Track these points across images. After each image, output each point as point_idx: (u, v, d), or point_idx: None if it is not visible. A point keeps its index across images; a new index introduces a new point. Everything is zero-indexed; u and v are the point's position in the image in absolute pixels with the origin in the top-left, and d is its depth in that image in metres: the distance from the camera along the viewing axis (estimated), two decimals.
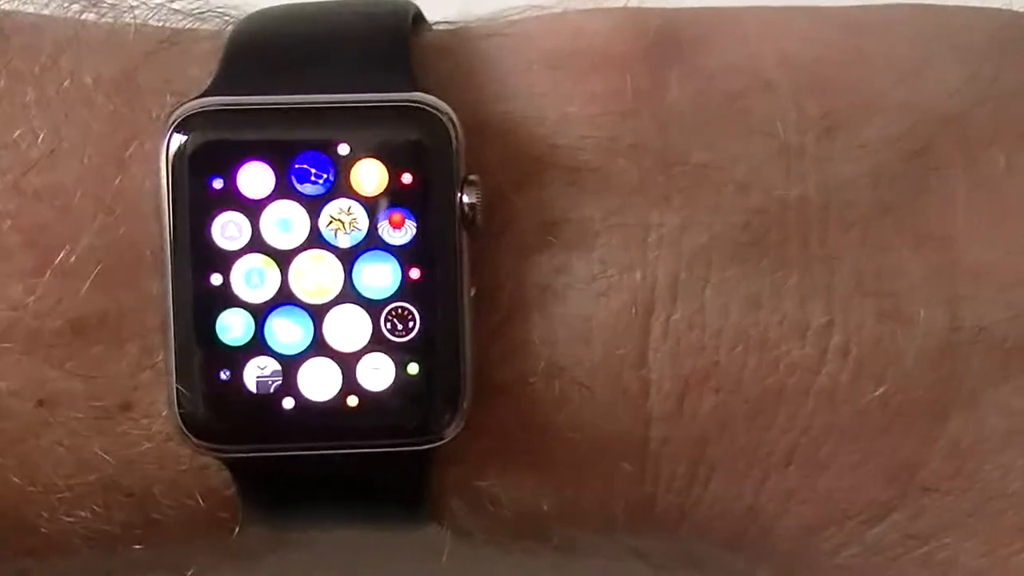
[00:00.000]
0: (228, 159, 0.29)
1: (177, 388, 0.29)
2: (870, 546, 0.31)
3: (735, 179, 0.30)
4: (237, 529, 0.30)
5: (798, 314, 0.30)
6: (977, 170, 0.30)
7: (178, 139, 0.29)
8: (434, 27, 0.32)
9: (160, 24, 0.31)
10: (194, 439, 0.29)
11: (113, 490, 0.30)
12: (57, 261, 0.29)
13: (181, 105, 0.29)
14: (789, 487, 0.31)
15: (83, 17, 0.31)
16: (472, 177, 0.29)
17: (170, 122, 0.29)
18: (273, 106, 0.29)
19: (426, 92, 0.29)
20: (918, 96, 0.31)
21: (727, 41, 0.31)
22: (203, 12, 0.32)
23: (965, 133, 0.31)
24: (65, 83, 0.30)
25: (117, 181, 0.29)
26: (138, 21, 0.31)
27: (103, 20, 0.31)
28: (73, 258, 0.29)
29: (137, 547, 0.30)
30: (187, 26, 0.32)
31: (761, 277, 0.30)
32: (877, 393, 0.30)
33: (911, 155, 0.30)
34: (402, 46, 0.30)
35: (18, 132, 0.29)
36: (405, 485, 0.30)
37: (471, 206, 0.29)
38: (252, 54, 0.30)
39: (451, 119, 0.29)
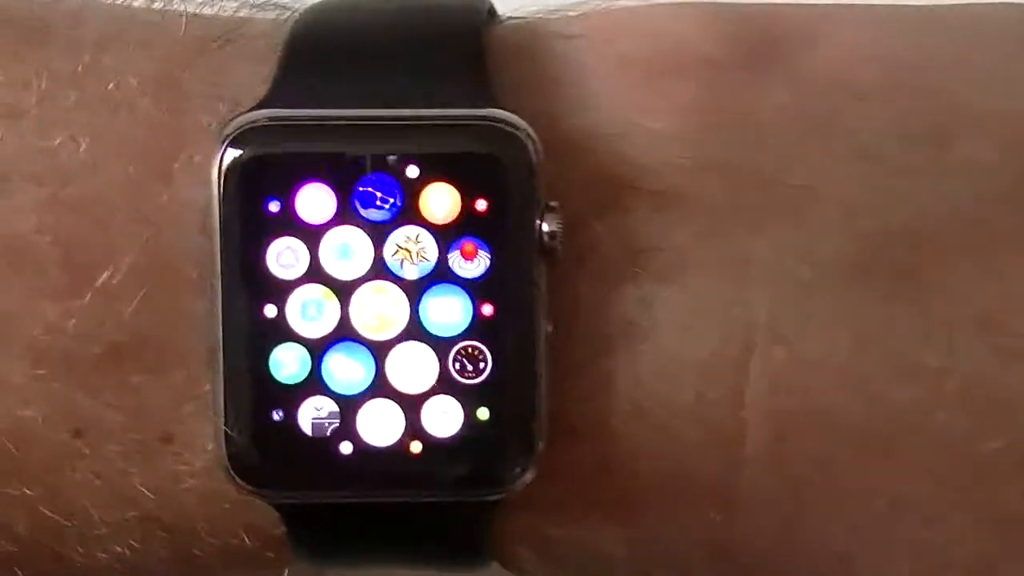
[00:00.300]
0: (286, 179, 0.27)
1: (225, 428, 0.27)
2: None
3: (841, 202, 0.28)
4: (287, 572, 0.29)
5: (910, 352, 0.28)
6: None
7: (232, 155, 0.27)
8: (505, 21, 0.30)
9: (212, 14, 0.29)
10: (241, 482, 0.27)
11: (152, 525, 0.28)
12: (99, 282, 0.27)
13: (236, 117, 0.27)
14: (888, 537, 0.29)
15: (131, 2, 0.29)
16: (553, 203, 0.27)
17: (224, 135, 0.27)
18: (336, 122, 0.27)
19: (503, 105, 0.27)
20: None
21: (828, 45, 0.29)
22: (259, 0, 0.29)
23: None
24: (110, 85, 0.28)
25: (163, 196, 0.27)
26: (189, 11, 0.29)
27: (152, 6, 0.29)
28: (116, 278, 0.27)
29: None
30: (242, 16, 0.29)
31: (869, 311, 0.28)
32: (995, 446, 0.28)
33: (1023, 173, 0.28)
34: (478, 51, 0.28)
35: (59, 140, 0.27)
36: (468, 534, 0.28)
37: (552, 235, 0.27)
38: (313, 58, 0.28)
39: (530, 136, 0.27)
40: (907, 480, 0.28)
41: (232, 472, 0.27)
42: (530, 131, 0.27)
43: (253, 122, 0.27)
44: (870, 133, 0.28)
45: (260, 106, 0.27)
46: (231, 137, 0.27)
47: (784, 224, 0.28)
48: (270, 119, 0.27)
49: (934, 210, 0.28)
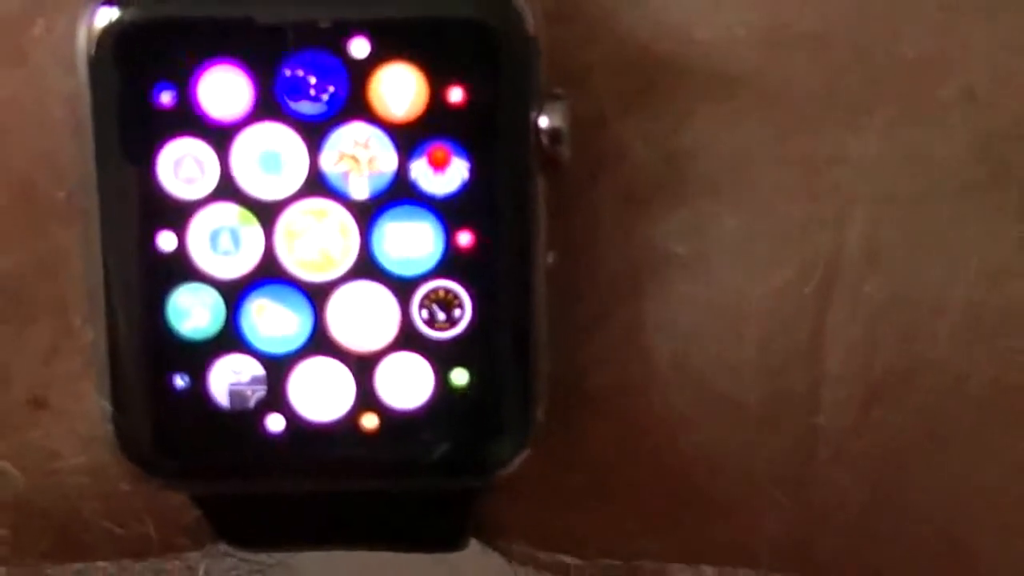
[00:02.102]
0: (184, 58, 0.22)
1: (112, 398, 0.23)
2: None
3: (967, 83, 0.23)
4: (203, 566, 0.26)
5: None
6: None
7: (105, 19, 0.22)
8: None
9: None
10: (137, 469, 0.23)
11: (27, 510, 0.24)
12: None
13: None
14: (1011, 519, 0.25)
15: None
16: (558, 91, 0.22)
17: None
18: None
19: None
20: None
21: None
22: None
23: None
24: None
25: (14, 82, 0.23)
26: None
27: None
28: None
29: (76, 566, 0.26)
30: None
31: (1000, 230, 0.24)
32: None
33: None
34: None
35: None
36: (441, 525, 0.24)
37: (554, 134, 0.22)
38: None
39: (526, 2, 0.22)
40: None
41: (122, 454, 0.23)
42: None
43: None
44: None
45: None
46: None
47: (889, 115, 0.23)
48: None
49: None
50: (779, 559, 0.26)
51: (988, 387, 0.24)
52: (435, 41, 0.22)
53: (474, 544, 0.26)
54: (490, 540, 0.26)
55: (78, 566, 0.27)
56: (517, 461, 0.23)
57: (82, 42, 0.22)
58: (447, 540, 0.25)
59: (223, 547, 0.26)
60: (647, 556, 0.26)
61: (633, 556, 0.26)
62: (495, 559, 0.26)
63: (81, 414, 0.24)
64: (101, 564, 0.27)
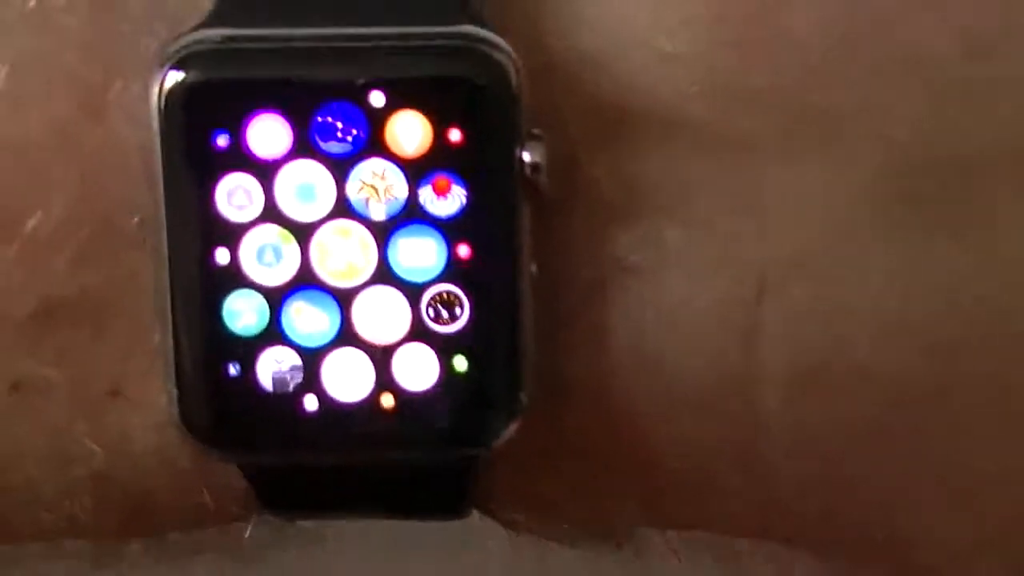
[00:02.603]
0: (235, 109, 0.24)
1: (177, 383, 0.25)
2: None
3: (880, 128, 0.25)
4: (250, 529, 0.28)
5: (954, 289, 0.26)
6: None
7: (173, 81, 0.24)
8: None
9: None
10: (196, 442, 0.26)
11: (104, 484, 0.27)
12: (27, 230, 0.25)
13: (178, 39, 0.24)
14: (931, 495, 0.27)
15: None
16: (536, 131, 0.25)
17: (164, 59, 0.24)
18: (291, 43, 0.24)
19: (482, 24, 0.25)
20: None
21: None
22: None
23: None
24: (31, 3, 0.25)
25: (96, 132, 0.25)
26: None
27: None
28: (47, 227, 0.25)
29: (133, 543, 0.28)
30: None
31: (908, 245, 0.26)
32: None
33: None
34: None
35: None
36: (449, 492, 0.27)
37: (535, 167, 0.25)
38: None
39: (512, 59, 0.24)
40: (960, 432, 0.26)
41: (186, 431, 0.26)
42: (511, 52, 0.24)
43: (201, 42, 0.24)
44: (910, 49, 0.25)
45: (203, 26, 0.25)
46: (172, 61, 0.24)
47: (812, 153, 0.25)
48: (215, 39, 0.24)
49: (985, 132, 0.26)
50: (737, 531, 0.28)
51: (895, 379, 0.26)
52: (437, 94, 0.24)
53: (475, 514, 0.28)
54: (485, 507, 0.27)
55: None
56: (508, 433, 0.25)
57: (154, 99, 0.24)
58: (453, 505, 0.27)
59: (267, 516, 0.27)
60: (619, 521, 0.27)
61: (606, 521, 0.27)
62: (493, 526, 0.28)
63: (150, 404, 0.26)
64: (173, 536, 0.28)
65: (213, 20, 0.25)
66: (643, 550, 0.28)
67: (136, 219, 0.25)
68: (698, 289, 0.26)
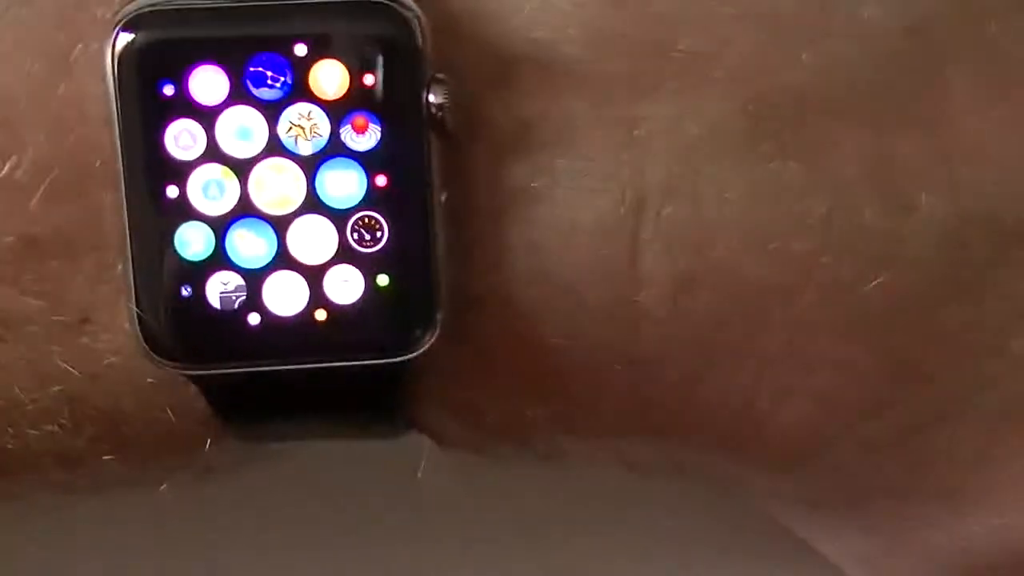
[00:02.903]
0: (178, 62, 0.27)
1: (137, 305, 0.28)
2: (865, 442, 0.30)
3: (728, 66, 0.28)
4: (209, 442, 0.30)
5: (796, 204, 0.29)
6: (976, 43, 0.29)
7: (124, 40, 0.27)
8: None
9: None
10: (156, 356, 0.28)
11: (80, 403, 0.29)
12: (3, 174, 0.28)
13: (127, 5, 0.27)
14: (785, 383, 0.30)
15: None
16: (440, 76, 0.27)
17: (116, 22, 0.27)
18: (225, 4, 0.27)
19: None
20: None
21: None
22: None
23: (965, 5, 0.29)
24: None
25: (62, 87, 0.28)
26: None
27: None
28: (19, 171, 0.28)
29: (106, 458, 0.30)
30: None
31: (757, 168, 0.28)
32: (876, 283, 0.29)
33: (910, 31, 0.29)
34: None
35: None
36: (379, 397, 0.29)
37: (439, 106, 0.27)
38: None
39: (417, 16, 0.27)
40: (799, 327, 0.29)
41: (147, 348, 0.28)
42: (416, 9, 0.27)
43: (143, 8, 0.27)
44: None
45: None
46: (121, 23, 0.27)
47: (675, 87, 0.28)
48: (160, 4, 0.27)
49: (822, 70, 0.29)
50: (623, 421, 0.30)
51: (757, 281, 0.29)
52: (354, 45, 0.27)
53: (414, 434, 0.30)
54: (415, 416, 0.29)
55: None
56: (426, 344, 0.28)
57: (108, 57, 0.27)
58: (385, 413, 0.29)
59: (225, 434, 0.29)
60: (531, 423, 0.30)
61: (517, 422, 0.30)
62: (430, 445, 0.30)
63: (117, 328, 0.28)
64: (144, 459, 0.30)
65: None
66: (560, 457, 0.31)
67: (98, 162, 0.28)
68: (586, 211, 0.28)
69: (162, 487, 0.31)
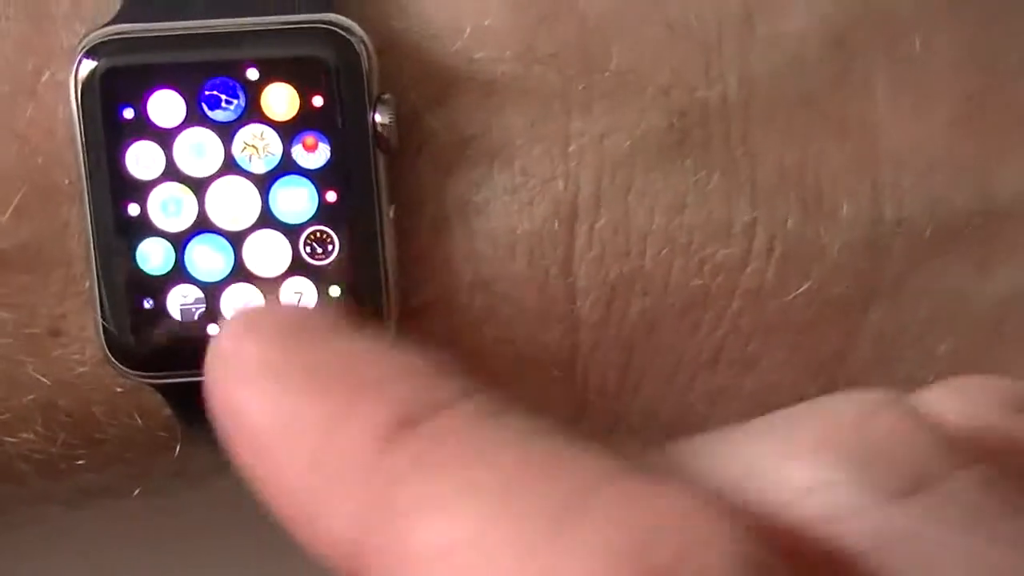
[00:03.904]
0: (137, 87, 0.29)
1: (102, 317, 0.29)
2: None
3: (655, 82, 0.30)
4: (178, 447, 0.31)
5: (722, 214, 0.30)
6: (898, 52, 0.30)
7: (87, 68, 0.28)
8: None
9: None
10: (121, 366, 0.30)
11: (52, 411, 0.30)
12: None
13: (89, 34, 0.29)
14: (717, 386, 0.31)
15: None
16: (385, 96, 0.29)
17: (79, 49, 0.29)
18: (180, 32, 0.29)
19: (337, 9, 0.29)
20: None
21: None
22: None
23: (886, 17, 0.30)
24: None
25: (30, 110, 0.29)
26: None
27: None
28: None
29: (80, 463, 0.31)
30: None
31: (684, 179, 0.30)
32: (802, 289, 0.30)
33: (831, 42, 0.30)
34: None
35: None
36: None
37: (384, 126, 0.29)
38: None
39: (362, 40, 0.29)
40: (728, 331, 0.30)
41: (112, 358, 0.29)
42: (361, 33, 0.29)
43: (104, 36, 0.29)
44: (683, 17, 0.30)
45: (111, 23, 0.29)
46: (84, 51, 0.28)
47: (605, 104, 0.30)
48: (119, 33, 0.29)
49: (744, 83, 0.30)
50: (562, 425, 0.30)
51: (686, 286, 0.30)
52: (302, 69, 0.28)
53: None
54: None
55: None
56: None
57: (72, 82, 0.28)
58: None
59: (188, 438, 0.30)
60: None
61: None
62: None
63: (86, 338, 0.29)
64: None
65: (118, 18, 0.29)
66: None
67: (66, 180, 0.29)
68: (524, 222, 0.30)
69: (135, 492, 0.32)
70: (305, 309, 0.27)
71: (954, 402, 0.24)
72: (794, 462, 0.23)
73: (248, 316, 0.24)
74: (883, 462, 0.23)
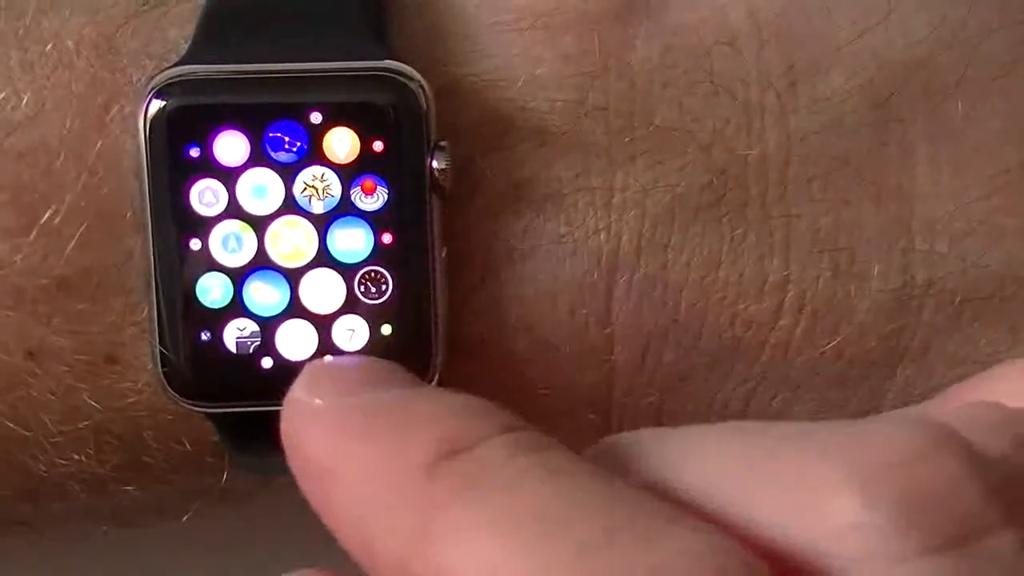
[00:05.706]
0: (204, 127, 0.29)
1: (160, 348, 0.30)
2: None
3: (698, 140, 0.31)
4: (225, 475, 0.32)
5: (755, 270, 0.31)
6: (938, 120, 0.31)
7: (156, 106, 0.29)
8: None
9: None
10: (176, 395, 0.30)
11: (104, 435, 0.31)
12: (43, 220, 0.30)
13: (159, 73, 0.30)
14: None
15: None
16: (442, 143, 0.29)
17: (148, 89, 0.29)
18: (247, 75, 0.30)
19: (398, 57, 0.30)
20: (881, 45, 0.31)
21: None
22: None
23: (929, 81, 0.31)
24: (48, 47, 0.30)
25: (98, 144, 0.30)
26: None
27: None
28: (58, 218, 0.30)
29: (129, 488, 0.32)
30: None
31: (721, 236, 0.31)
32: (831, 345, 0.31)
33: (872, 106, 0.31)
34: (379, 6, 0.30)
35: (2, 95, 0.30)
36: None
37: (441, 171, 0.29)
38: (229, 17, 0.30)
39: (421, 86, 0.30)
40: (757, 384, 0.31)
41: (168, 387, 0.30)
42: (421, 80, 0.29)
43: (174, 76, 0.29)
44: (728, 77, 0.31)
45: (181, 63, 0.30)
46: (154, 90, 0.29)
47: (649, 159, 0.30)
48: (188, 74, 0.29)
49: (783, 144, 0.31)
50: None
51: (718, 339, 0.31)
52: (364, 114, 0.29)
53: None
54: None
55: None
56: None
57: (140, 121, 0.29)
58: None
59: (235, 463, 0.31)
60: None
61: None
62: None
63: (140, 367, 0.30)
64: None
65: (187, 59, 0.30)
66: None
67: (128, 214, 0.30)
68: (565, 269, 0.30)
69: (185, 517, 0.33)
70: (364, 361, 0.28)
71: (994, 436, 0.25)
72: (844, 493, 0.23)
73: (315, 369, 0.26)
74: (931, 511, 0.23)
